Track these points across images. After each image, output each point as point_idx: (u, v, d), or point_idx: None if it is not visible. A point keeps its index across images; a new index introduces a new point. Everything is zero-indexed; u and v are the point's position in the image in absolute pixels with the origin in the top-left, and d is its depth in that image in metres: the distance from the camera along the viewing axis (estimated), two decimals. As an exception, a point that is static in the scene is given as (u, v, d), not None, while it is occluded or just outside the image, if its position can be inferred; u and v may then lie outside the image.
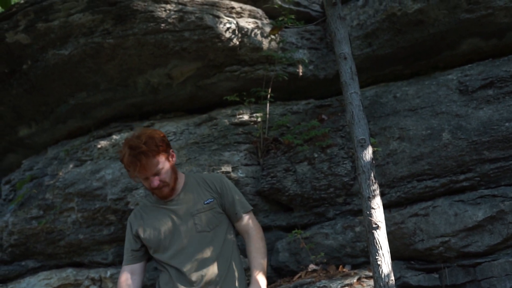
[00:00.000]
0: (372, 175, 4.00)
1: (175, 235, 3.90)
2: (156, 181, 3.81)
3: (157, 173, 3.82)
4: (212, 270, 3.86)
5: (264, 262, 4.01)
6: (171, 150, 4.01)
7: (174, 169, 3.99)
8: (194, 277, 3.82)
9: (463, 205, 5.06)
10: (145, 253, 4.06)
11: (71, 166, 6.19)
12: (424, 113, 5.43)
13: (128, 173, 3.88)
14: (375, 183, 4.00)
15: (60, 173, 6.15)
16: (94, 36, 5.62)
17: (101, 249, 5.93)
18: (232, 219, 4.12)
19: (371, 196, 3.97)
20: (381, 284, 3.89)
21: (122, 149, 3.85)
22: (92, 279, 5.82)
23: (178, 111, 6.37)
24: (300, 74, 5.91)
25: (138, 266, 4.04)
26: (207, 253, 3.87)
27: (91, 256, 5.99)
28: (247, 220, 4.17)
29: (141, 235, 3.97)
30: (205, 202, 3.94)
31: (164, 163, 3.86)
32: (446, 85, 5.56)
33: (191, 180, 4.08)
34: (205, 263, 3.85)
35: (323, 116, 5.83)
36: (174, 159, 4.02)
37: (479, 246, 5.00)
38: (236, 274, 4.00)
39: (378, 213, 3.95)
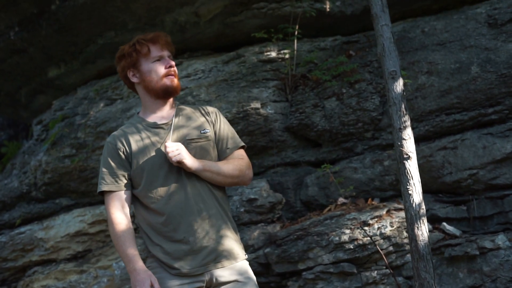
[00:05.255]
0: (403, 106, 4.04)
1: (163, 166, 3.33)
2: (172, 61, 3.42)
3: (170, 57, 3.46)
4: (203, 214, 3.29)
5: (215, 164, 3.36)
6: None
7: None
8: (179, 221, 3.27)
9: (492, 138, 5.10)
10: (130, 181, 3.40)
11: (101, 105, 6.28)
12: (453, 47, 5.42)
13: (132, 55, 3.41)
14: (406, 114, 4.04)
15: (91, 112, 6.25)
16: (121, -26, 5.64)
17: (133, 186, 6.05)
18: (221, 155, 3.48)
19: (402, 127, 4.02)
20: (412, 213, 3.97)
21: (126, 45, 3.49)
22: (126, 215, 5.95)
23: (206, 49, 6.40)
24: (327, 10, 5.89)
25: (127, 195, 3.37)
26: (199, 191, 3.32)
27: (124, 193, 6.10)
28: (237, 156, 3.50)
29: (133, 157, 3.36)
30: (202, 131, 3.41)
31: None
32: (474, 18, 5.53)
33: (184, 107, 3.55)
34: (196, 204, 3.30)
35: (351, 52, 5.84)
36: None
37: (507, 178, 5.05)
38: (224, 213, 3.39)
39: (409, 144, 4.01)
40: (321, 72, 5.62)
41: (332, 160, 5.66)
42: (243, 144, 3.55)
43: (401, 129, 4.01)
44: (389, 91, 4.09)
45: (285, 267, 4.99)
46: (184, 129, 3.42)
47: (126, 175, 3.36)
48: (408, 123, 4.04)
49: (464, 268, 4.79)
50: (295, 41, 5.85)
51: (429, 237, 4.00)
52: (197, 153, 3.35)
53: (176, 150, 3.21)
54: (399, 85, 4.07)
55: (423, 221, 3.95)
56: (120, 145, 3.39)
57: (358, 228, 4.79)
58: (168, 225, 3.27)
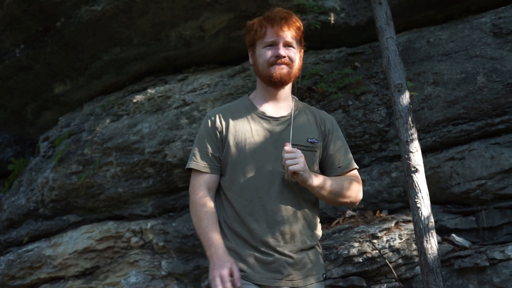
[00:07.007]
0: (410, 119, 4.03)
1: (265, 163, 3.09)
2: (282, 50, 3.09)
3: (288, 45, 3.14)
4: (290, 225, 3.07)
5: (330, 181, 3.08)
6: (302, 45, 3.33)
7: (299, 63, 3.25)
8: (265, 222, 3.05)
9: (499, 148, 5.07)
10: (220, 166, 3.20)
11: (107, 121, 6.28)
12: (458, 57, 5.41)
13: (251, 34, 3.19)
14: (412, 127, 4.03)
15: (98, 129, 6.25)
16: (125, -9, 5.65)
17: (140, 201, 6.05)
18: (330, 171, 3.22)
19: (409, 140, 4.01)
20: (421, 226, 3.96)
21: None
22: (133, 231, 5.95)
23: (211, 63, 6.41)
24: (332, 22, 5.89)
25: (215, 179, 3.17)
26: (294, 202, 3.10)
27: (131, 209, 6.12)
28: (352, 175, 3.28)
29: (229, 141, 3.15)
30: (309, 140, 3.14)
31: (296, 45, 3.19)
32: (479, 28, 5.51)
33: (302, 106, 3.31)
34: (285, 214, 3.07)
35: (356, 64, 5.83)
36: (302, 53, 3.28)
37: (516, 188, 5.03)
38: (309, 230, 3.16)
39: (416, 157, 4.00)
40: (327, 85, 5.60)
41: (340, 172, 5.63)
42: (356, 166, 3.31)
43: (408, 142, 4.00)
44: (395, 104, 4.08)
45: (294, 281, 4.96)
46: (294, 130, 3.16)
47: (219, 159, 3.15)
48: (415, 135, 4.03)
49: (474, 280, 4.75)
50: (300, 53, 5.83)
51: (438, 250, 3.98)
52: None
53: (295, 158, 2.93)
54: (405, 98, 4.06)
55: (432, 234, 3.93)
56: (219, 124, 3.17)
57: (366, 241, 4.77)
58: (247, 229, 3.05)
